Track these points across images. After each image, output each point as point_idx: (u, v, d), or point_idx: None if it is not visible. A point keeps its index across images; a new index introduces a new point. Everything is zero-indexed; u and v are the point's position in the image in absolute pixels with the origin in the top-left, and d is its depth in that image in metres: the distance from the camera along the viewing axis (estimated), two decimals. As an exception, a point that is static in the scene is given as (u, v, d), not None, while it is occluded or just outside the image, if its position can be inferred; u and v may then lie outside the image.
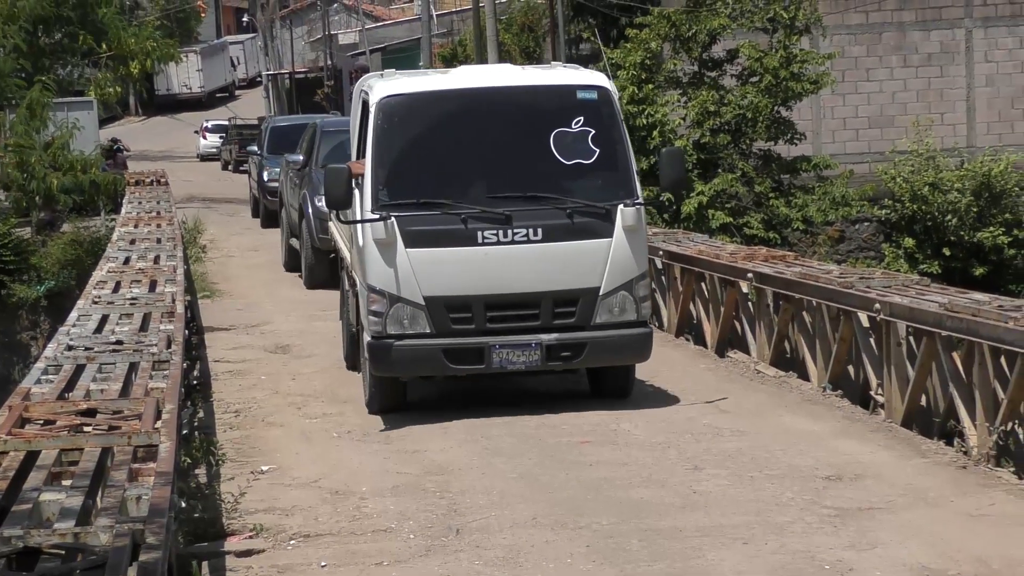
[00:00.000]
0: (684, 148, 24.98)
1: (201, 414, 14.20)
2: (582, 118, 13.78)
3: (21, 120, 28.02)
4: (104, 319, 13.20)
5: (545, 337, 13.49)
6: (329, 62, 71.05)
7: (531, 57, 46.23)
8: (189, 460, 11.61)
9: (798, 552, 9.43)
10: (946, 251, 29.70)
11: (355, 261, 14.38)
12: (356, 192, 13.87)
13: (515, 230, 13.42)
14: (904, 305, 13.33)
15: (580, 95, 13.96)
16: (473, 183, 13.74)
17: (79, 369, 10.71)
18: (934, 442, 12.62)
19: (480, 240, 13.40)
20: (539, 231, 13.44)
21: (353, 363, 15.88)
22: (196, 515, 10.35)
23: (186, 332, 13.43)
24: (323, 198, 18.52)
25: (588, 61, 34.23)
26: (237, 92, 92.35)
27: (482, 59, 39.36)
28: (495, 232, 13.41)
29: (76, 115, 31.54)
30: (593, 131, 13.76)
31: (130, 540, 6.22)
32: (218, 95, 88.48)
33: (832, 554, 9.37)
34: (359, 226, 13.75)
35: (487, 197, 13.56)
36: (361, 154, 14.18)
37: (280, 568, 9.54)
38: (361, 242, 13.75)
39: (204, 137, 64.60)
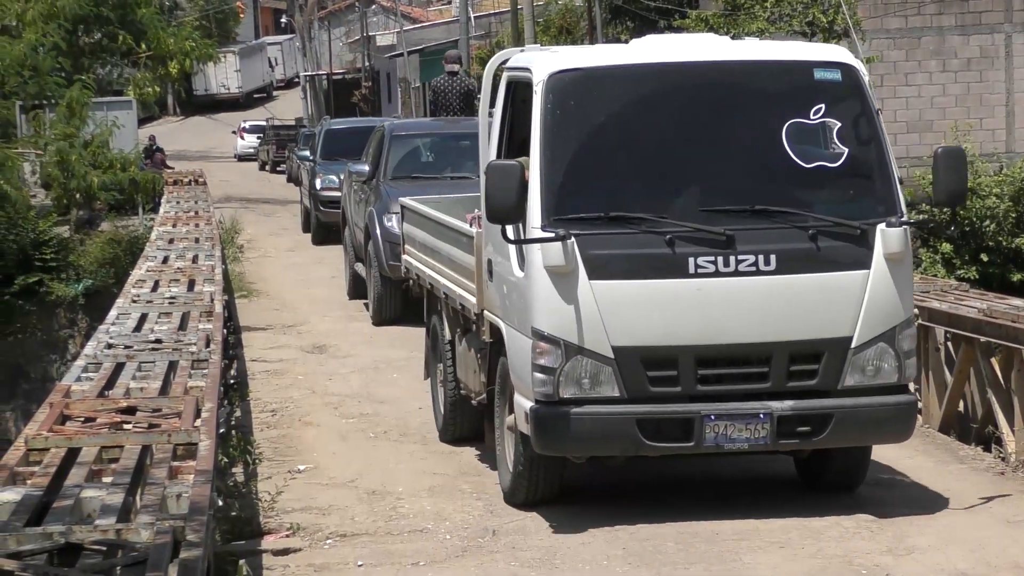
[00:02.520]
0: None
1: (238, 413, 14.26)
2: (823, 106, 10.39)
3: (61, 118, 28.22)
4: (143, 318, 13.29)
5: (776, 405, 9.98)
6: (367, 63, 71.23)
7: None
8: (226, 459, 11.65)
9: (835, 556, 9.41)
10: (984, 257, 29.52)
11: (503, 298, 10.72)
12: None
13: (740, 257, 9.97)
14: (942, 310, 13.29)
15: (819, 75, 10.56)
16: (679, 192, 10.37)
17: (119, 367, 10.78)
18: (972, 448, 12.59)
19: (692, 270, 9.96)
20: (772, 259, 9.99)
21: (454, 435, 12.84)
22: (233, 513, 10.41)
23: (224, 331, 13.49)
24: (392, 217, 16.67)
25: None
26: (275, 93, 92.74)
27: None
28: (712, 259, 9.96)
29: (115, 114, 31.63)
30: (839, 124, 10.41)
31: (171, 537, 6.26)
32: (256, 96, 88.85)
33: (869, 559, 9.35)
34: (513, 249, 10.34)
35: (699, 211, 10.13)
36: (506, 154, 11.06)
37: (316, 567, 9.57)
38: (521, 271, 10.28)
39: (242, 137, 64.90)
